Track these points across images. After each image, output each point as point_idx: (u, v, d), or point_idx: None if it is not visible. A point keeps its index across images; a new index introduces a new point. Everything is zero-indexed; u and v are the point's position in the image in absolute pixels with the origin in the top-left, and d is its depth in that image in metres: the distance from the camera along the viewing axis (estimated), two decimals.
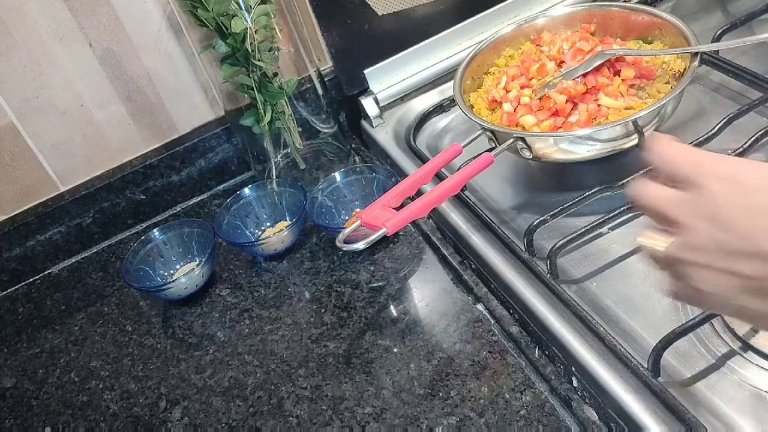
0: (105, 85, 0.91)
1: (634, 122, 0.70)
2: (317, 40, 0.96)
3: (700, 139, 0.72)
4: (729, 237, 0.32)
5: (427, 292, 0.75)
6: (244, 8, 0.79)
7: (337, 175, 0.86)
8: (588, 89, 0.75)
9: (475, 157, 0.72)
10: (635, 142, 0.72)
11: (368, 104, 0.97)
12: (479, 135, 0.76)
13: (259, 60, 0.82)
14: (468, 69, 0.84)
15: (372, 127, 0.97)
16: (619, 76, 0.76)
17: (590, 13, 0.86)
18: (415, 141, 0.91)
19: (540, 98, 0.76)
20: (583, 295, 0.66)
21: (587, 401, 0.61)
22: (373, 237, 0.65)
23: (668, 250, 0.34)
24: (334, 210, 0.85)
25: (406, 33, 0.96)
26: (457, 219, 0.78)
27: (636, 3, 0.92)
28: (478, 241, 0.75)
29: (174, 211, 1.01)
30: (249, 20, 0.79)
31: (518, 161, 0.82)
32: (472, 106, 0.81)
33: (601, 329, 0.60)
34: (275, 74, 0.85)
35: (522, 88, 0.80)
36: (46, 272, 0.98)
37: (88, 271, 0.95)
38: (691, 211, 0.33)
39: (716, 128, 0.71)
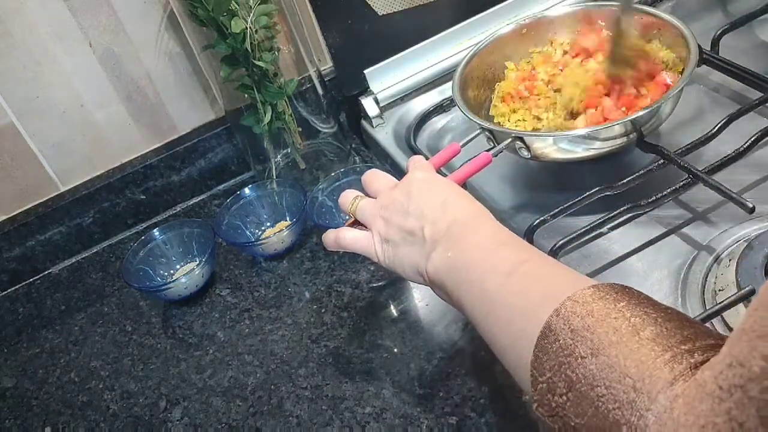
0: (105, 85, 0.91)
1: (633, 122, 0.70)
2: (317, 40, 0.96)
3: (701, 139, 0.72)
4: (391, 214, 0.59)
5: (427, 292, 0.74)
6: (244, 8, 0.79)
7: (338, 175, 0.87)
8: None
9: (474, 156, 0.72)
10: (634, 141, 0.72)
11: (368, 104, 0.97)
12: (477, 134, 0.76)
13: (259, 60, 0.82)
14: (467, 69, 0.84)
15: (372, 127, 0.97)
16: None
17: (589, 12, 0.86)
18: (415, 141, 0.91)
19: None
20: None
21: None
22: None
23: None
24: (334, 210, 0.85)
25: (406, 33, 0.96)
26: None
27: (635, 3, 0.91)
28: None
29: (174, 211, 1.01)
30: (249, 20, 0.79)
31: (518, 161, 0.82)
32: None
33: None
34: (275, 74, 0.85)
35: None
36: (46, 272, 0.98)
37: (88, 271, 0.95)
38: (377, 207, 0.61)
39: (716, 128, 0.71)
